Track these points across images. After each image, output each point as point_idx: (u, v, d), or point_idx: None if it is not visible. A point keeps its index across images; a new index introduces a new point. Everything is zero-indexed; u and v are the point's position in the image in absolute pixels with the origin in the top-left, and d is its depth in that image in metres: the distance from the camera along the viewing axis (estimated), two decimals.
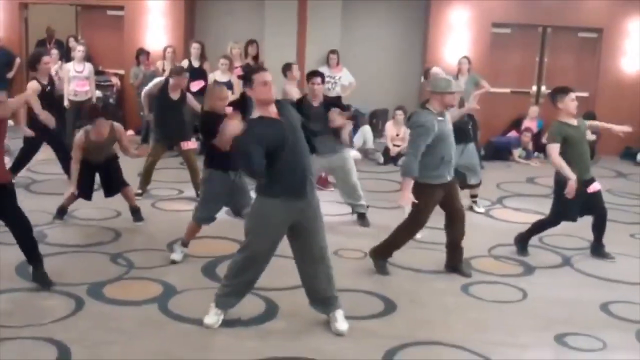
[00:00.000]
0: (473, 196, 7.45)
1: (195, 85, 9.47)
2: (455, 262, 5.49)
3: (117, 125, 6.32)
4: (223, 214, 5.82)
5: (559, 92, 5.75)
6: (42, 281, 4.86)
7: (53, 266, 5.03)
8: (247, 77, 4.16)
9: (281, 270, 5.19)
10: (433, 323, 4.60)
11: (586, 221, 7.42)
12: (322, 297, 4.39)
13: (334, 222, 6.64)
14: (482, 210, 7.45)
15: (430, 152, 5.06)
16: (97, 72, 10.41)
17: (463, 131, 6.68)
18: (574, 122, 5.70)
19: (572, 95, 5.68)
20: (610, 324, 4.69)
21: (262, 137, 3.96)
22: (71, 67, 9.30)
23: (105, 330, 4.27)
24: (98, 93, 10.11)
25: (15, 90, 11.67)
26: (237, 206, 5.59)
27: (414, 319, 4.64)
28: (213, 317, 4.34)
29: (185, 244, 5.57)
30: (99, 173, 6.41)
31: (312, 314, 4.55)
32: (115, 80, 11.32)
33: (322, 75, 6.75)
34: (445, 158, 5.13)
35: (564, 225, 6.98)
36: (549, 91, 5.87)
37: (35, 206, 6.34)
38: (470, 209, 7.35)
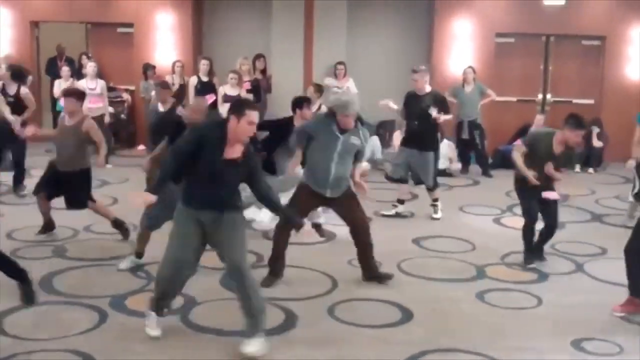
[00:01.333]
0: (434, 200, 7.47)
1: (208, 99, 9.64)
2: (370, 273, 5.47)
3: (90, 120, 6.16)
4: None
5: (574, 124, 5.58)
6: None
7: (76, 279, 5.12)
8: (239, 107, 4.06)
9: (298, 280, 5.30)
10: (450, 330, 4.66)
11: (597, 227, 7.49)
12: (250, 312, 4.18)
13: (345, 233, 6.71)
14: (438, 215, 7.41)
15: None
16: (109, 89, 10.55)
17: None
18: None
19: (580, 132, 5.60)
20: (626, 329, 4.75)
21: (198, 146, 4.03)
22: (84, 85, 9.43)
23: (129, 341, 4.35)
24: (110, 109, 10.24)
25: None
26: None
27: (431, 327, 4.71)
28: (156, 327, 4.39)
29: None
30: (64, 183, 6.09)
31: (332, 323, 4.65)
32: (126, 96, 11.46)
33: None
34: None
35: (575, 232, 7.06)
36: (567, 116, 5.68)
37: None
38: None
